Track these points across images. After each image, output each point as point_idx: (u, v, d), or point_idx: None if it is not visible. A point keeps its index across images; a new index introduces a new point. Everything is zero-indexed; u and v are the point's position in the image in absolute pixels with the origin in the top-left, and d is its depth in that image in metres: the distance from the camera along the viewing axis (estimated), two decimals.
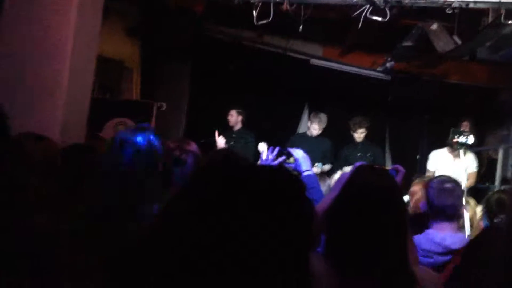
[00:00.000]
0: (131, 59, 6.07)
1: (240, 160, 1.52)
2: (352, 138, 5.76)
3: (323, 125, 5.65)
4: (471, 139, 4.95)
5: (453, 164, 5.28)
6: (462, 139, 4.92)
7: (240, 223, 0.92)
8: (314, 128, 5.65)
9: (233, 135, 5.61)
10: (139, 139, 1.64)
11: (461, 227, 2.68)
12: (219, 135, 4.66)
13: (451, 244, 2.12)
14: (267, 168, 1.18)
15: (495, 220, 2.36)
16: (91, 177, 1.61)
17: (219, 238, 0.90)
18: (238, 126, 5.72)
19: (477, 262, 1.38)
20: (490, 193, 2.65)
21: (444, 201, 2.18)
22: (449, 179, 2.32)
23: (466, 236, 2.59)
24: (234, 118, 5.70)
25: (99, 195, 1.55)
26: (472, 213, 2.92)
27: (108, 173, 1.59)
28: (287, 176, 1.09)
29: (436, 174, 5.34)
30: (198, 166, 1.48)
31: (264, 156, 2.33)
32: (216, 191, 0.97)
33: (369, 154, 5.65)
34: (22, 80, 3.14)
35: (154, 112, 4.90)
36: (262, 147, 4.79)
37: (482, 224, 2.57)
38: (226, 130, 5.54)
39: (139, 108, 5.11)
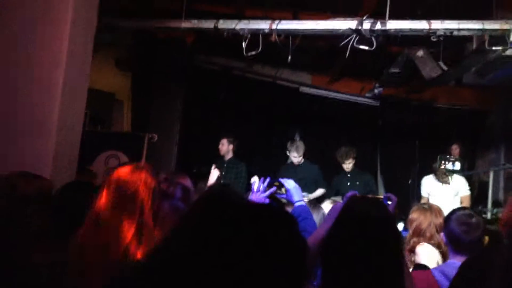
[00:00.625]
0: (122, 91, 6.11)
1: (233, 196, 1.51)
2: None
3: (302, 152, 5.63)
4: (457, 165, 5.02)
5: (442, 189, 5.30)
6: (449, 165, 4.99)
7: (234, 263, 0.92)
8: (294, 156, 5.65)
9: (224, 165, 5.59)
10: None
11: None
12: (214, 167, 4.66)
13: None
14: (259, 206, 1.18)
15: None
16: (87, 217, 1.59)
17: (213, 277, 0.91)
18: (229, 155, 5.68)
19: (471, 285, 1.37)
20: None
21: (474, 237, 2.17)
22: (472, 214, 2.31)
23: None
24: (225, 147, 5.66)
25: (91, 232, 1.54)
26: None
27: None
28: (279, 214, 1.10)
29: (430, 200, 5.38)
30: (190, 205, 1.47)
31: (255, 188, 2.32)
32: (210, 232, 0.98)
33: (358, 182, 5.66)
34: (14, 115, 3.14)
35: (146, 143, 4.90)
36: (254, 180, 4.82)
37: None
38: (217, 159, 5.55)
39: (131, 140, 5.10)
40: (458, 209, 2.34)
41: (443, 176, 5.30)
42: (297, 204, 2.25)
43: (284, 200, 2.44)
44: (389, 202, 1.83)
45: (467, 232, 2.16)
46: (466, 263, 1.50)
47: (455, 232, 2.17)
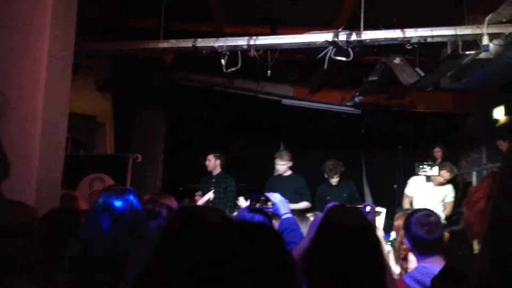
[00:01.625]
0: (103, 113, 6.09)
1: (219, 218, 1.53)
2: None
3: (286, 159, 5.63)
4: (435, 171, 5.10)
5: (430, 192, 5.38)
6: (427, 171, 5.07)
7: (225, 283, 0.95)
8: (279, 164, 5.65)
9: (213, 180, 5.59)
10: (118, 204, 1.63)
11: None
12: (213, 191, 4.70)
13: None
14: (247, 227, 1.21)
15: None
16: (73, 245, 1.58)
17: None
18: (217, 171, 5.65)
19: None
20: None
21: (437, 235, 2.18)
22: (430, 213, 2.33)
23: None
24: (212, 163, 5.64)
25: (82, 264, 1.53)
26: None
27: (90, 242, 1.57)
28: (266, 234, 1.12)
29: (414, 200, 5.45)
30: (165, 227, 1.48)
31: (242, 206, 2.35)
32: (199, 253, 1.01)
33: (343, 192, 5.70)
34: None
35: (130, 164, 4.88)
36: (241, 202, 4.86)
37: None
38: (205, 175, 5.56)
39: (115, 162, 5.07)
40: (414, 211, 2.34)
41: (427, 181, 5.39)
42: (284, 216, 2.27)
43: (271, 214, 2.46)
44: (368, 210, 1.86)
45: (430, 231, 2.16)
46: (440, 274, 1.51)
47: (418, 235, 2.16)
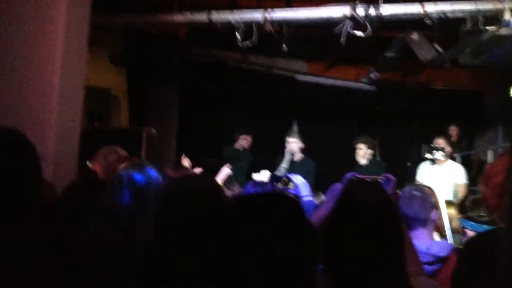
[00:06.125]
0: (118, 86, 6.08)
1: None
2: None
3: (296, 137, 5.55)
4: (440, 155, 5.05)
5: (437, 176, 5.30)
6: (435, 154, 5.02)
7: (248, 248, 0.97)
8: (289, 142, 5.56)
9: (239, 156, 5.88)
10: (139, 178, 1.64)
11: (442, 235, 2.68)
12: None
13: (438, 251, 2.09)
14: (265, 195, 1.22)
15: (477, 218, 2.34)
16: (94, 219, 1.59)
17: (230, 260, 0.96)
18: (242, 147, 5.99)
19: (478, 267, 1.38)
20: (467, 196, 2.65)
21: (415, 208, 2.18)
22: (416, 187, 2.33)
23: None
24: (248, 142, 5.98)
25: (104, 237, 1.54)
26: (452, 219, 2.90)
27: (112, 215, 1.58)
28: (285, 200, 1.13)
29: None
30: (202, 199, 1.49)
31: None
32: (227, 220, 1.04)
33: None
34: (10, 118, 3.13)
35: (144, 138, 4.89)
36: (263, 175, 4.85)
37: (461, 227, 2.56)
38: (227, 148, 5.83)
39: (129, 135, 5.09)
40: (405, 189, 2.33)
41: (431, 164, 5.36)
42: (305, 199, 2.28)
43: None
44: (389, 182, 1.82)
45: (409, 205, 2.16)
46: (466, 249, 1.50)
47: (402, 210, 2.15)
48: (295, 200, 1.21)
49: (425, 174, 5.41)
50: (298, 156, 5.50)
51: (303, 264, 1.09)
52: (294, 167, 5.50)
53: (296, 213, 1.11)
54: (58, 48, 3.23)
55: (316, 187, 5.13)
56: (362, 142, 5.58)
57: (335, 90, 6.93)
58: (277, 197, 1.16)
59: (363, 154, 5.57)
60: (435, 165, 5.35)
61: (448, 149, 5.33)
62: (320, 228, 1.49)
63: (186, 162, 4.39)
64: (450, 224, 2.69)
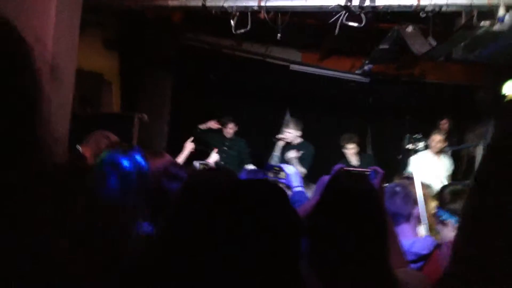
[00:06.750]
0: (111, 71, 6.04)
1: (226, 176, 1.56)
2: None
3: (293, 129, 5.62)
4: (421, 146, 5.11)
5: (434, 166, 5.37)
6: (415, 145, 5.08)
7: (233, 237, 0.99)
8: (287, 132, 5.67)
9: (226, 143, 5.81)
10: (125, 163, 1.63)
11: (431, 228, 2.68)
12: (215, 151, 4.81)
13: (420, 250, 2.09)
14: (250, 183, 1.23)
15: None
16: (78, 203, 1.60)
17: (217, 250, 0.98)
18: (231, 135, 5.90)
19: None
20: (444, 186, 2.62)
21: (398, 204, 2.20)
22: (399, 183, 2.35)
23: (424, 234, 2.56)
24: (233, 130, 5.89)
25: (88, 221, 1.55)
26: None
27: (97, 199, 1.58)
28: (269, 187, 1.14)
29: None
30: (188, 188, 1.50)
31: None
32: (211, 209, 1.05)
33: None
34: None
35: (136, 124, 4.87)
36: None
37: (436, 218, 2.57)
38: (218, 137, 5.78)
39: (121, 120, 5.06)
40: (388, 186, 2.35)
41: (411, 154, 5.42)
42: (295, 189, 2.28)
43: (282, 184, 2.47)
44: (377, 174, 1.84)
45: (392, 202, 2.18)
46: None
47: (387, 207, 2.11)
48: (279, 188, 1.22)
49: (420, 165, 5.46)
50: (297, 141, 5.62)
51: (287, 253, 1.10)
52: (291, 148, 5.59)
53: (279, 201, 1.12)
54: (48, 30, 3.20)
55: (308, 176, 5.22)
56: (350, 143, 5.68)
57: (328, 81, 6.93)
58: (261, 185, 1.17)
59: (353, 153, 5.68)
60: (431, 157, 5.42)
61: (443, 143, 5.40)
62: (306, 218, 1.50)
63: (189, 146, 4.39)
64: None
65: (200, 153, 5.38)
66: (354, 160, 5.74)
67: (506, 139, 0.70)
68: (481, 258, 0.64)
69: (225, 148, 5.74)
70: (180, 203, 1.46)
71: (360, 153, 5.88)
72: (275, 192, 1.16)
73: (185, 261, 1.12)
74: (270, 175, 2.34)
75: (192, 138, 4.48)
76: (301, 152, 5.37)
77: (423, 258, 2.09)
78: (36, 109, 0.70)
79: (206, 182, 1.50)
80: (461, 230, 0.78)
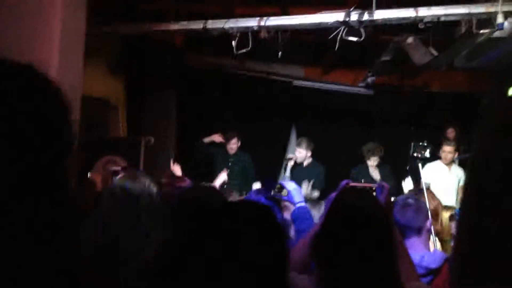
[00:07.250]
0: (116, 96, 6.10)
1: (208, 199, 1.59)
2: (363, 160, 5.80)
3: (304, 148, 5.61)
4: (428, 153, 5.06)
5: (444, 177, 5.31)
6: (421, 153, 5.03)
7: (219, 256, 1.02)
8: (298, 151, 5.67)
9: (230, 159, 5.80)
10: (133, 187, 1.66)
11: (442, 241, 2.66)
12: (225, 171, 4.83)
13: (430, 263, 2.07)
14: (235, 205, 1.27)
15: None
16: (87, 228, 1.62)
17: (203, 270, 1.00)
18: (234, 150, 5.89)
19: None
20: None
21: (409, 216, 2.18)
22: (411, 196, 2.33)
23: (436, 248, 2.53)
24: (236, 146, 5.87)
25: (97, 246, 1.57)
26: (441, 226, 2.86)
27: (106, 224, 1.61)
28: (252, 208, 1.17)
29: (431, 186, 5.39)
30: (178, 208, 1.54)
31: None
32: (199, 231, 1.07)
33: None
34: None
35: (143, 147, 4.91)
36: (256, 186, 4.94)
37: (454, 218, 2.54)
38: (222, 152, 5.80)
39: (128, 144, 5.11)
40: (399, 197, 2.33)
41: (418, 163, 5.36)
42: (298, 205, 2.29)
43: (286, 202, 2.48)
44: (383, 189, 1.83)
45: (403, 214, 2.16)
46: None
47: (395, 218, 2.13)
48: (266, 207, 1.25)
49: (431, 175, 5.41)
50: (308, 161, 5.60)
51: (272, 270, 1.11)
52: (302, 171, 5.56)
53: (265, 220, 1.15)
54: (53, 57, 3.25)
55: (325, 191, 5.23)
56: (374, 155, 5.60)
57: (332, 95, 6.96)
58: (248, 206, 1.22)
59: (375, 166, 5.63)
60: (442, 168, 5.38)
61: (454, 154, 5.37)
62: (312, 238, 1.50)
63: (177, 168, 4.43)
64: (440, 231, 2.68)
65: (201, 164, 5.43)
66: (375, 174, 5.68)
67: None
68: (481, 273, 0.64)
69: (230, 163, 5.73)
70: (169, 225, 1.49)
71: (378, 165, 5.85)
72: (261, 217, 1.18)
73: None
74: (273, 193, 2.36)
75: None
76: (312, 180, 5.28)
77: (432, 272, 2.06)
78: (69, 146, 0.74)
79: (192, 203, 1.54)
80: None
